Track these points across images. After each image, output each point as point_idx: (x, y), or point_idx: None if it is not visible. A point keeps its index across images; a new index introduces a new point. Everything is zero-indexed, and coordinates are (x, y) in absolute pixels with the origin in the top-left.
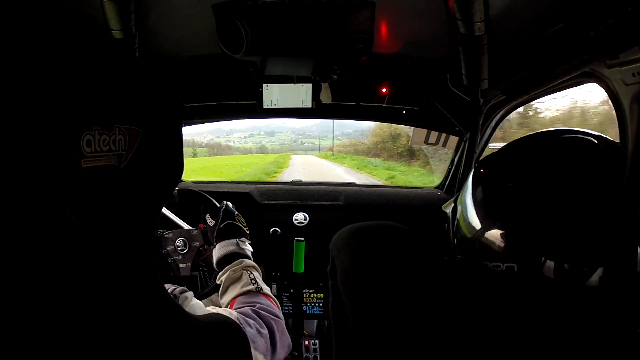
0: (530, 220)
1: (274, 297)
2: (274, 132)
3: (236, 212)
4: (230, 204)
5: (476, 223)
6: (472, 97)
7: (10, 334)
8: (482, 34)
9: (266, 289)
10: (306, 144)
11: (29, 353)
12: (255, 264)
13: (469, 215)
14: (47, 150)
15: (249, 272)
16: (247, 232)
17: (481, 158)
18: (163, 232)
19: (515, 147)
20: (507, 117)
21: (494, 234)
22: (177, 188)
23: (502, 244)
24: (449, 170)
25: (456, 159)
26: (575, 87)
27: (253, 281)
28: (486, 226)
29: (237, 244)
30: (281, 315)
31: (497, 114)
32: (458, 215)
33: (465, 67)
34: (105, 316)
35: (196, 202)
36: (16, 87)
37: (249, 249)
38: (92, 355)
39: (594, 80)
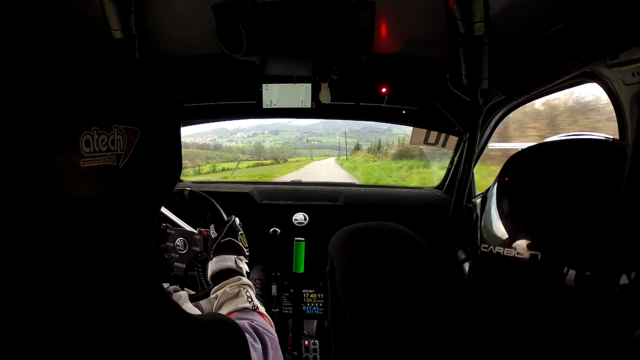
0: (561, 232)
1: (268, 316)
2: (278, 131)
3: (241, 231)
4: (237, 221)
5: (502, 232)
6: (471, 97)
7: (9, 333)
8: (482, 34)
9: (261, 308)
10: (312, 142)
11: (28, 352)
12: (250, 282)
13: (493, 224)
14: (46, 150)
15: (245, 289)
16: (247, 252)
17: (504, 164)
18: (166, 226)
19: (540, 154)
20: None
21: (521, 244)
22: (188, 189)
23: (528, 254)
24: (448, 170)
25: (455, 159)
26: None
27: (249, 299)
28: (512, 236)
29: (235, 262)
30: (275, 334)
31: (496, 114)
32: (483, 222)
33: (465, 67)
34: (104, 315)
35: (205, 208)
36: (15, 87)
37: (245, 268)
38: (91, 354)
39: (594, 80)
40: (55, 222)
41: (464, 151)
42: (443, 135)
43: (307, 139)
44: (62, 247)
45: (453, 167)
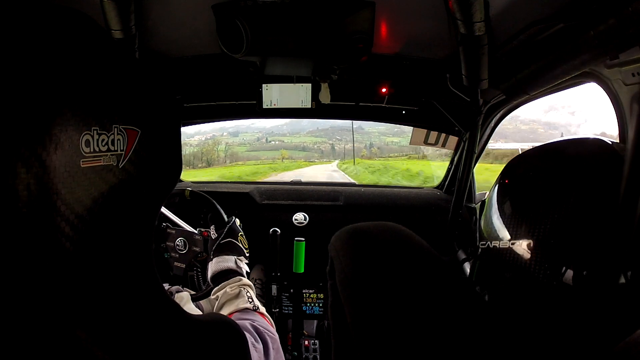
0: (562, 233)
1: (269, 316)
2: (238, 133)
3: (241, 232)
4: (237, 222)
5: (503, 232)
6: (471, 97)
7: (9, 333)
8: (482, 34)
9: (262, 308)
10: (272, 142)
11: (28, 351)
12: (251, 283)
13: (494, 224)
14: (46, 150)
15: (246, 290)
16: (247, 253)
17: (505, 167)
18: (167, 226)
19: (538, 157)
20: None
21: (522, 245)
22: (189, 189)
23: (530, 255)
24: (448, 170)
25: (455, 159)
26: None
27: (250, 299)
28: (513, 235)
29: (235, 262)
30: (276, 334)
31: (496, 114)
32: (483, 223)
33: (465, 67)
34: (104, 315)
35: (205, 208)
36: (14, 87)
37: (245, 268)
38: (91, 354)
39: (594, 80)
40: (55, 222)
41: (464, 151)
42: (443, 135)
43: (267, 139)
44: (62, 247)
45: (453, 167)
